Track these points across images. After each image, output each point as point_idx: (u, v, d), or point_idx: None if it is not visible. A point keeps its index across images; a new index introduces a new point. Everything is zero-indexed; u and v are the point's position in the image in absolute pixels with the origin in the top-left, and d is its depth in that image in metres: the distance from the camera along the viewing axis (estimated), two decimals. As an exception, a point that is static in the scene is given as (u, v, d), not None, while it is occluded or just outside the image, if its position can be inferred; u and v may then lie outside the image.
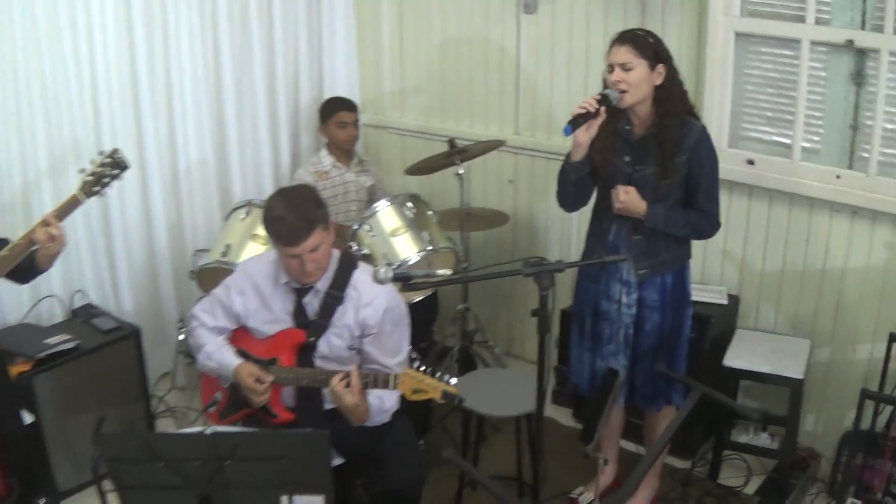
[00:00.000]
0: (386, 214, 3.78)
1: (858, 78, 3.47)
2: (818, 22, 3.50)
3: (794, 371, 3.53)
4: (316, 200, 2.74)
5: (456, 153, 4.01)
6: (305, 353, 2.82)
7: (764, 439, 3.81)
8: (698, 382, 2.90)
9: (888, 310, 3.58)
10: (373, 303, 2.79)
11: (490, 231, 4.36)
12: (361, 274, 2.84)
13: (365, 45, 4.99)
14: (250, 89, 4.54)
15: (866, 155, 3.51)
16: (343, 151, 4.35)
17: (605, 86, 3.01)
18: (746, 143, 3.86)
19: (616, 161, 3.09)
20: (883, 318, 3.60)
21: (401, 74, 4.93)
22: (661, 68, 2.97)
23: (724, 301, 3.92)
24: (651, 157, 3.05)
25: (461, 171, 4.01)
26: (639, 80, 2.94)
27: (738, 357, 3.65)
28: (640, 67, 2.94)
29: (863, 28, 3.41)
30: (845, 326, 3.73)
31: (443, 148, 4.12)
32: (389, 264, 2.71)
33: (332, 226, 2.78)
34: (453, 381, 2.61)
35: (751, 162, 3.81)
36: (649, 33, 3.01)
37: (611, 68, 2.98)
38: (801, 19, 3.54)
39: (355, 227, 3.78)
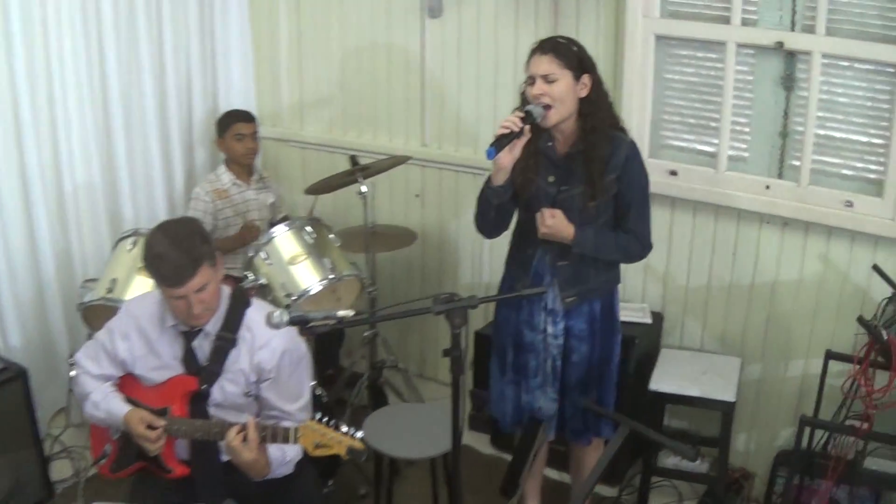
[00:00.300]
0: (284, 240, 3.44)
1: (788, 82, 3.28)
2: (745, 23, 3.29)
3: (726, 393, 3.32)
4: (201, 235, 2.49)
5: (358, 170, 3.66)
6: (198, 401, 2.59)
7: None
8: (627, 418, 2.67)
9: (822, 325, 3.42)
10: (269, 344, 2.56)
11: (397, 250, 4.02)
12: (255, 313, 2.60)
13: (262, 53, 4.65)
14: (139, 103, 4.18)
15: (797, 163, 3.32)
16: (242, 167, 4.06)
17: (525, 101, 2.73)
18: (668, 153, 3.64)
19: (539, 182, 2.80)
20: (817, 334, 3.44)
21: (300, 84, 4.59)
22: (586, 79, 2.70)
23: (648, 320, 3.69)
24: (577, 177, 2.77)
25: (364, 189, 3.66)
26: (563, 93, 2.67)
27: (665, 380, 3.42)
28: (564, 79, 2.66)
29: (793, 29, 3.21)
30: (777, 343, 3.56)
31: (345, 162, 3.81)
32: (288, 306, 2.37)
33: (219, 261, 2.54)
34: (359, 434, 2.37)
35: (673, 172, 3.59)
36: (572, 41, 2.74)
37: (531, 80, 2.70)
38: (726, 20, 3.32)
39: (250, 253, 3.44)
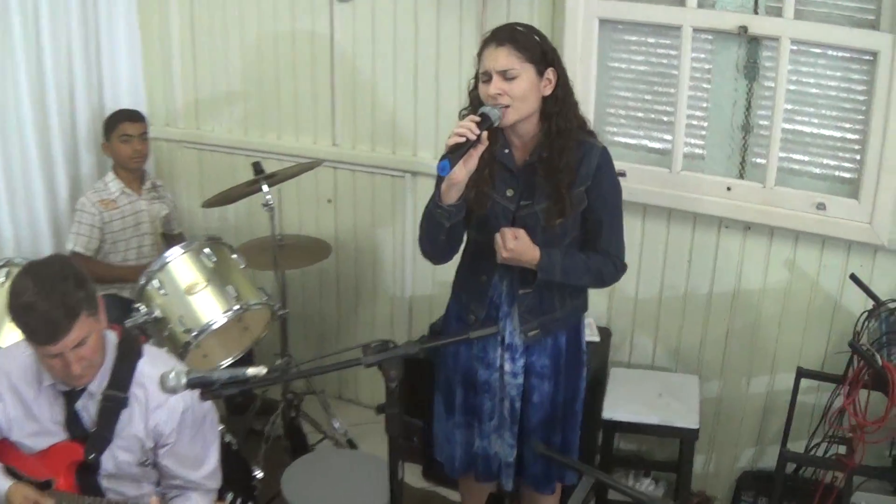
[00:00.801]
0: (179, 266, 2.92)
1: (752, 71, 2.94)
2: (701, 5, 2.94)
3: (688, 419, 2.99)
4: (76, 278, 2.09)
5: (263, 179, 3.14)
6: (86, 472, 2.23)
7: (647, 486, 3.37)
8: (590, 468, 2.46)
9: (789, 338, 3.13)
10: (166, 403, 2.20)
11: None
12: (148, 366, 2.23)
13: (152, 46, 4.04)
14: (14, 104, 3.57)
15: (761, 160, 2.99)
16: (131, 173, 3.59)
17: (476, 101, 2.30)
18: (615, 151, 3.12)
19: (495, 196, 2.37)
20: (784, 348, 3.15)
21: (195, 80, 4.01)
22: (550, 74, 2.28)
23: (596, 338, 3.31)
24: (540, 190, 2.35)
25: (270, 200, 3.14)
26: (525, 92, 2.24)
27: (618, 406, 3.06)
28: (525, 74, 2.23)
29: (756, 12, 2.88)
30: (738, 357, 3.25)
31: (247, 165, 3.31)
32: (188, 372, 1.84)
33: (101, 308, 2.14)
34: None
35: (621, 173, 3.16)
36: (532, 29, 2.31)
37: (486, 76, 2.25)
38: (681, 2, 2.96)
39: (142, 281, 2.90)
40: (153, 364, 2.21)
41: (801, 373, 2.98)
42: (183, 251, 2.91)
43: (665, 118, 3.12)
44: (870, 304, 2.79)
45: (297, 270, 3.67)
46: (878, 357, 2.52)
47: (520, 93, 2.22)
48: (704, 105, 3.05)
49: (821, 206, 2.91)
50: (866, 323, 2.80)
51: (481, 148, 2.17)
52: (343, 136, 3.72)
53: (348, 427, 3.58)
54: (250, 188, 3.19)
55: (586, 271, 2.38)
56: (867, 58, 2.77)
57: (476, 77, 2.32)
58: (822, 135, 2.90)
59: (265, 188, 3.13)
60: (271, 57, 3.76)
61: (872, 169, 2.80)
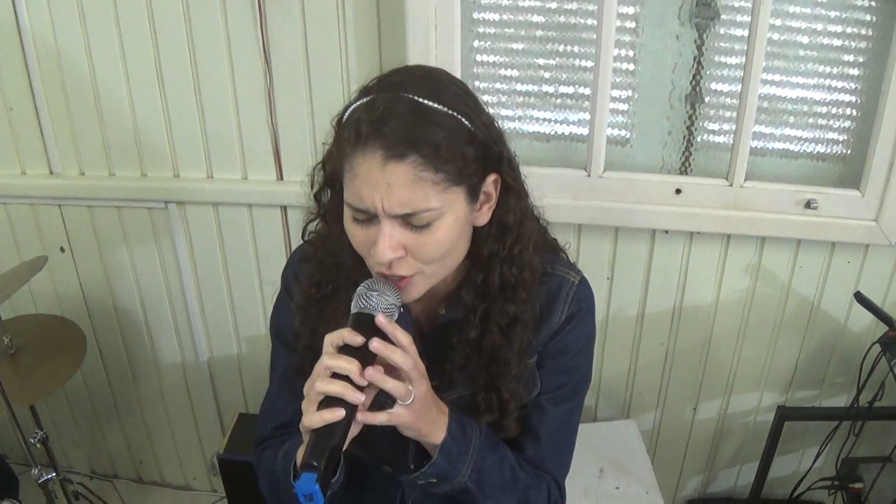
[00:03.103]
0: None
1: (706, 13, 1.87)
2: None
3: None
4: None
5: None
6: None
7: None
8: None
9: (748, 351, 2.32)
10: None
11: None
12: None
13: None
14: None
15: (719, 139, 2.00)
16: None
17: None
18: None
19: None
20: (745, 362, 2.34)
21: None
22: (490, 184, 1.16)
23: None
24: (462, 370, 1.26)
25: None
26: (450, 243, 1.12)
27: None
28: (450, 211, 1.09)
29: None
30: (678, 380, 2.41)
31: None
32: None
33: None
34: None
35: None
36: (449, 85, 1.12)
37: (362, 216, 1.09)
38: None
39: None
40: None
41: (784, 414, 2.21)
42: None
43: (568, 90, 2.01)
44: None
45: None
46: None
47: (439, 250, 1.10)
48: (629, 70, 1.96)
49: (811, 204, 1.99)
50: (884, 354, 2.03)
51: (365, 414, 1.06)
52: (61, 159, 2.31)
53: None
54: None
55: (510, 490, 1.30)
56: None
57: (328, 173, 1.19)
58: (810, 99, 1.94)
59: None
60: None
61: (885, 146, 1.89)
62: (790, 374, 2.32)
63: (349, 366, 1.02)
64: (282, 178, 2.20)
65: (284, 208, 2.24)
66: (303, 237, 1.31)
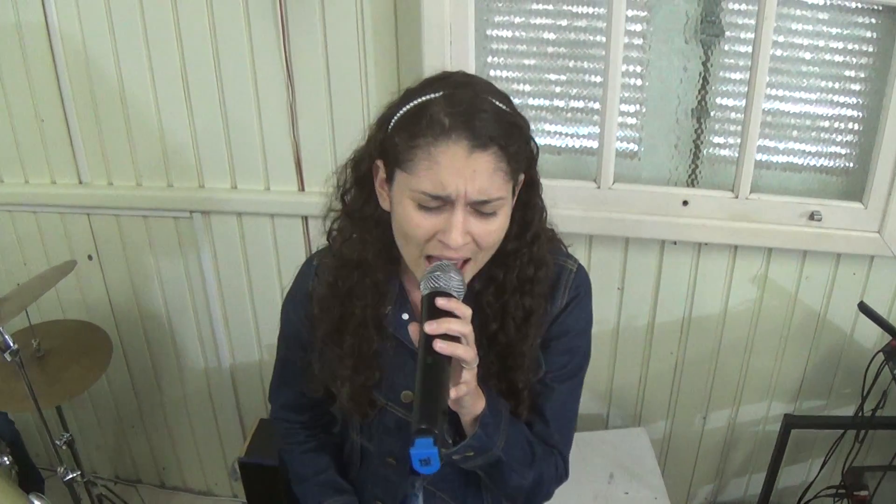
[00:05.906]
0: None
1: (711, 30, 1.93)
2: (634, -61, 1.85)
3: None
4: None
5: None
6: None
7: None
8: None
9: (756, 360, 2.37)
10: None
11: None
12: None
13: None
14: None
15: (724, 153, 2.06)
16: None
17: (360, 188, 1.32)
18: None
19: (383, 400, 1.41)
20: (753, 371, 2.39)
21: None
22: (521, 182, 1.27)
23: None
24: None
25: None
26: (501, 235, 1.23)
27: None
28: (509, 199, 1.22)
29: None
30: (687, 389, 2.46)
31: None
32: None
33: None
34: None
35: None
36: (505, 98, 1.24)
37: (436, 202, 1.16)
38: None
39: None
40: None
41: (791, 422, 2.25)
42: None
43: (578, 105, 2.08)
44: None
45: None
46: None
47: (498, 237, 1.22)
48: (637, 85, 2.03)
49: (815, 216, 2.04)
50: (887, 364, 2.07)
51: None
52: (90, 169, 2.40)
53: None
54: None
55: (529, 463, 1.37)
56: (876, 7, 1.84)
57: (373, 161, 1.26)
58: (813, 114, 2.00)
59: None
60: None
61: (887, 160, 1.94)
62: (798, 384, 2.36)
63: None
64: (303, 189, 2.27)
65: (305, 218, 2.32)
66: (327, 237, 1.38)
